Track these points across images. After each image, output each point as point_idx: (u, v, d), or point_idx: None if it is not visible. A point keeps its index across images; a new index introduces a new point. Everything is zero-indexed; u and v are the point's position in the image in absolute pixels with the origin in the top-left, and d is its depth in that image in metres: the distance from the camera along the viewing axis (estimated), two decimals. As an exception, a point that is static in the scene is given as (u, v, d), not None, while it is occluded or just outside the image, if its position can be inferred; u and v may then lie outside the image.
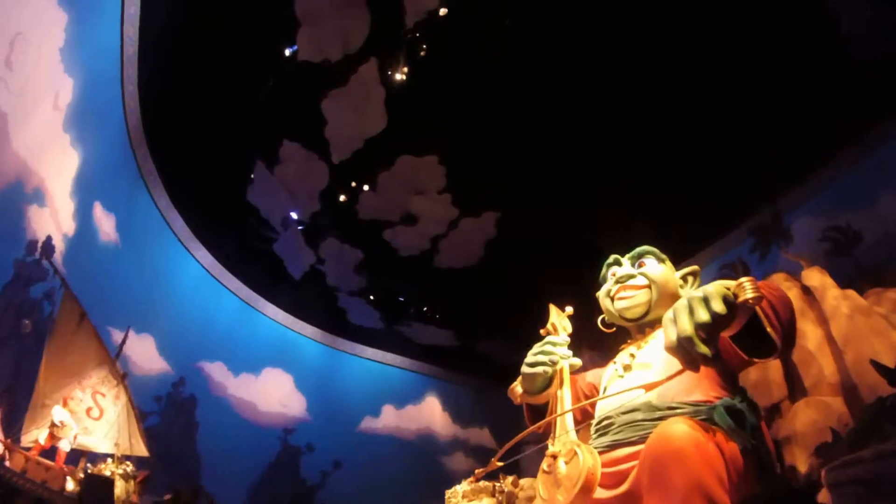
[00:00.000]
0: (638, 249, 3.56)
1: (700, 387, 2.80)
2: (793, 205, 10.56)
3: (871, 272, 8.67)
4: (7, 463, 7.67)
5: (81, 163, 10.37)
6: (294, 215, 15.31)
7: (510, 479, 4.49)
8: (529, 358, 3.42)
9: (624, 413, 2.88)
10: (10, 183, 8.97)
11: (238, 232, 14.82)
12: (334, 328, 18.35)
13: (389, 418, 18.60)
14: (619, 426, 2.85)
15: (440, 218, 15.21)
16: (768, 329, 2.34)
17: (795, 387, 7.89)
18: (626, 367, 3.16)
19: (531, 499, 4.22)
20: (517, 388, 3.58)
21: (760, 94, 10.39)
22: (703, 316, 2.23)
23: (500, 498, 4.45)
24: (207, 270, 14.64)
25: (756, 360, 2.48)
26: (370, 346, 19.17)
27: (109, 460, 11.34)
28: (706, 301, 2.26)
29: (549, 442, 3.03)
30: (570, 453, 2.79)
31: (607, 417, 2.95)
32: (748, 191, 11.01)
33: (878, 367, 3.95)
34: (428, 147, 13.40)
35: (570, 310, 3.65)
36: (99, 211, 11.36)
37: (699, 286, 3.27)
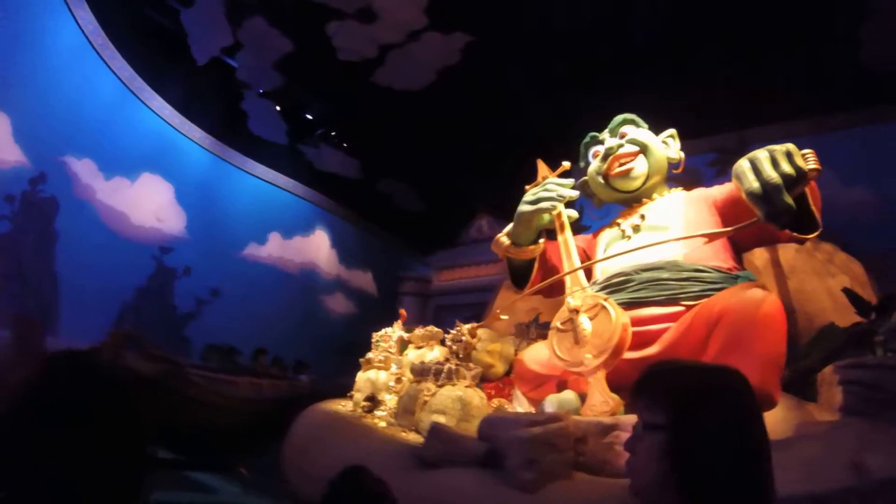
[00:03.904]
0: (615, 120, 3.67)
1: (720, 255, 3.00)
2: (759, 139, 10.63)
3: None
4: None
5: None
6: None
7: (466, 327, 3.87)
8: (528, 197, 3.57)
9: (645, 270, 2.99)
10: None
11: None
12: (228, 135, 15.30)
13: (274, 247, 16.71)
14: (638, 284, 2.96)
15: (403, 23, 12.37)
16: (812, 207, 2.53)
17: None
18: (636, 228, 3.35)
19: (492, 352, 4.03)
20: (503, 238, 3.73)
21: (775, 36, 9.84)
22: (787, 168, 2.33)
23: (456, 348, 3.83)
24: (87, 38, 10.69)
25: (799, 236, 2.59)
26: (263, 164, 16.53)
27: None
28: (789, 155, 2.39)
29: (569, 296, 3.06)
30: (596, 308, 2.81)
31: (622, 274, 3.09)
32: (723, 107, 10.34)
33: (851, 295, 3.91)
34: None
35: (566, 164, 3.67)
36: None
37: (680, 148, 3.63)
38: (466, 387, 3.51)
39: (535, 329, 4.90)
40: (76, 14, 10.25)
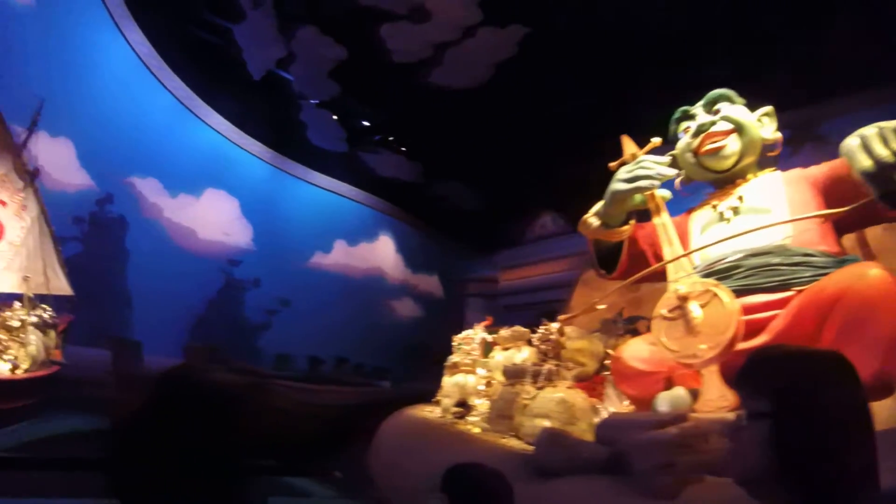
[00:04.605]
0: (710, 94, 3.43)
1: (826, 240, 2.91)
2: (835, 115, 9.62)
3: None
4: None
5: None
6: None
7: (554, 325, 3.58)
8: (623, 174, 3.35)
9: (753, 256, 2.89)
10: None
11: (187, 10, 10.93)
12: (287, 147, 15.32)
13: (340, 255, 16.59)
14: (747, 270, 2.85)
15: (457, 20, 11.99)
16: None
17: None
18: (735, 211, 3.16)
19: (581, 350, 3.81)
20: (592, 219, 3.50)
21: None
22: None
23: (545, 347, 3.56)
24: (142, 61, 10.87)
25: None
26: (324, 173, 16.47)
27: (17, 304, 8.46)
28: None
29: (677, 283, 2.91)
30: (707, 296, 2.75)
31: (728, 259, 2.96)
32: (794, 83, 9.58)
33: None
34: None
35: (656, 140, 3.47)
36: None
37: (776, 128, 3.37)
38: (568, 388, 3.22)
39: (623, 324, 4.55)
40: (129, 38, 10.46)
